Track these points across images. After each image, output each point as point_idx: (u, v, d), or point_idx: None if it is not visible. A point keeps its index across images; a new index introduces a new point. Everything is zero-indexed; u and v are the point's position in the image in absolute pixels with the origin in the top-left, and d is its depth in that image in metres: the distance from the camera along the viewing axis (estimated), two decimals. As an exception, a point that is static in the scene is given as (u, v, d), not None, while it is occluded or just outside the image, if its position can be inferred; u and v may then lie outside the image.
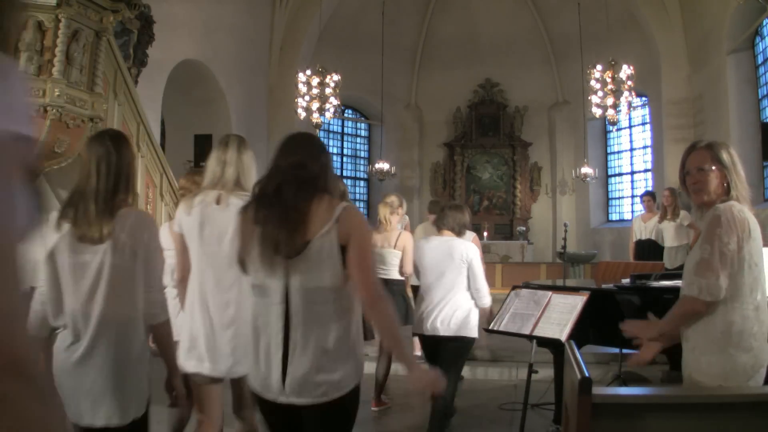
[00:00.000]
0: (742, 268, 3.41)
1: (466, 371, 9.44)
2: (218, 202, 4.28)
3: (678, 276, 6.28)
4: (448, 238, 6.66)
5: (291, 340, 3.23)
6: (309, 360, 3.20)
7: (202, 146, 14.99)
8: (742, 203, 3.55)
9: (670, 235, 11.61)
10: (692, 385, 3.46)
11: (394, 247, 7.85)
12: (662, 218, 11.79)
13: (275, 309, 3.26)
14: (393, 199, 8.10)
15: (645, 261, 10.63)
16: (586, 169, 23.29)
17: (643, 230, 12.23)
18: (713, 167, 3.67)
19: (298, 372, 3.19)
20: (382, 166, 24.25)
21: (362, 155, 28.58)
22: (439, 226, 6.81)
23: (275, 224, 3.22)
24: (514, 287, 6.41)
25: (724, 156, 3.70)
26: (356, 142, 28.63)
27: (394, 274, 7.84)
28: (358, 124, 28.61)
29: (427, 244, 6.77)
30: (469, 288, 6.46)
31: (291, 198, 3.24)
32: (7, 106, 1.31)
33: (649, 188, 22.79)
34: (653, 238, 12.01)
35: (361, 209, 26.53)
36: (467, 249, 6.52)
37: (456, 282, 6.45)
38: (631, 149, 25.65)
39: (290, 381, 3.20)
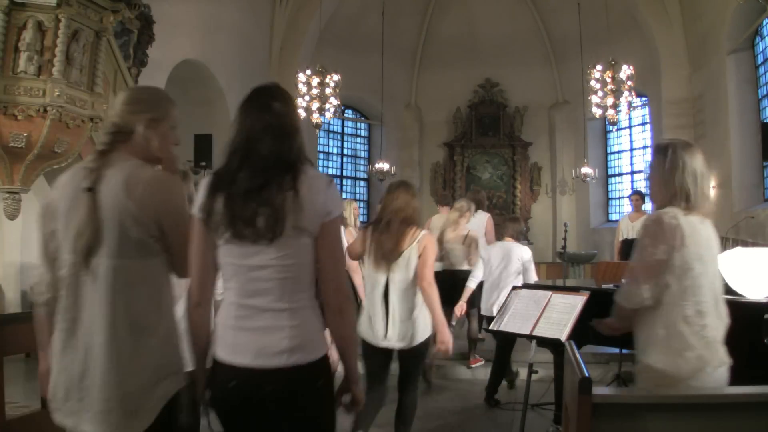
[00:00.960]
0: (677, 274, 3.50)
1: (466, 371, 9.45)
2: None
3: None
4: (508, 243, 9.22)
5: (390, 310, 5.48)
6: (400, 321, 5.43)
7: (202, 146, 14.97)
8: (690, 210, 3.62)
9: None
10: (641, 383, 3.69)
11: (463, 244, 9.63)
12: None
13: (380, 291, 5.52)
14: (462, 204, 9.94)
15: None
16: (586, 169, 23.29)
17: (630, 229, 12.21)
18: (651, 171, 3.86)
19: (395, 329, 5.43)
20: (382, 166, 24.25)
21: (362, 155, 28.58)
22: (502, 233, 9.47)
23: (385, 242, 5.47)
24: (514, 287, 6.42)
25: (668, 159, 3.75)
26: (356, 142, 28.62)
27: (462, 266, 9.53)
28: (358, 124, 28.61)
29: (493, 248, 9.42)
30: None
31: (396, 228, 5.48)
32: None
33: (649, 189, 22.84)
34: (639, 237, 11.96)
35: (361, 209, 26.56)
36: (522, 252, 9.16)
37: (511, 276, 8.90)
38: (631, 149, 25.65)
39: (390, 333, 5.45)
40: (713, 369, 3.49)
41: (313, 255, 3.03)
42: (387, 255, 5.41)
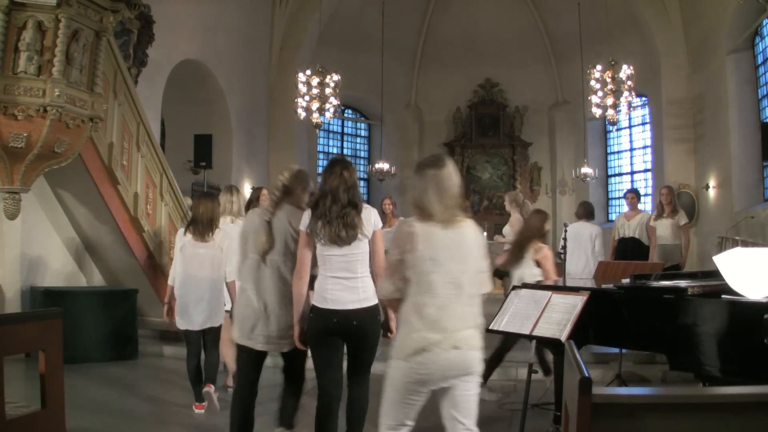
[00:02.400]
0: (414, 271, 4.15)
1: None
2: None
3: (678, 276, 6.29)
4: (584, 223, 12.12)
5: None
6: None
7: (202, 146, 14.98)
8: (428, 219, 4.19)
9: (666, 233, 11.56)
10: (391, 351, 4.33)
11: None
12: (658, 216, 11.74)
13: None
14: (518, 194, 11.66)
15: (628, 260, 10.61)
16: (585, 169, 23.30)
17: (626, 228, 12.17)
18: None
19: None
20: (382, 166, 24.25)
21: (362, 155, 28.60)
22: (578, 215, 12.47)
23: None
24: (514, 287, 6.42)
25: (413, 178, 4.47)
26: (356, 142, 28.65)
27: None
28: (358, 124, 28.62)
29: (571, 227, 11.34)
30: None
31: None
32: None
33: (649, 188, 22.85)
34: (637, 236, 11.96)
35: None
36: (593, 230, 12.06)
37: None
38: (631, 149, 25.67)
39: None
40: (442, 350, 4.04)
41: (368, 249, 5.36)
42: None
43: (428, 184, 4.23)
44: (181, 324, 7.58)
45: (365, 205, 5.36)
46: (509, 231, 10.87)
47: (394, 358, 4.18)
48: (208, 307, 7.56)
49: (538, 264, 8.35)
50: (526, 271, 8.27)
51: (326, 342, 5.30)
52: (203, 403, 7.45)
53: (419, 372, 4.06)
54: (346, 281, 5.22)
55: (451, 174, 4.29)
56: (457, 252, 4.20)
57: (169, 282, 7.81)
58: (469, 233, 4.29)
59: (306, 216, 5.33)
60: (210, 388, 7.43)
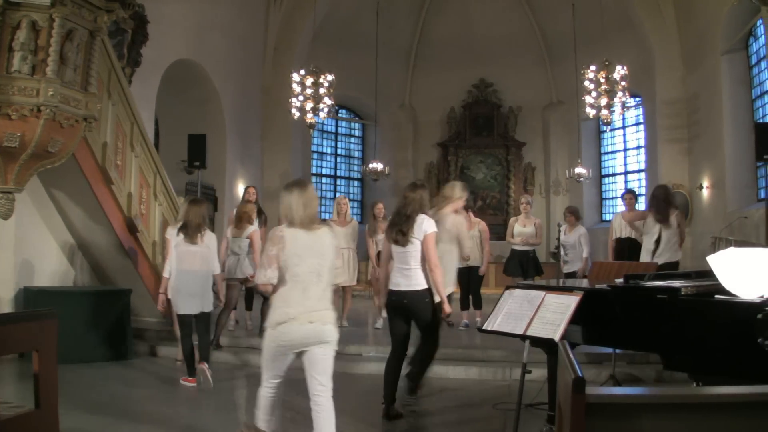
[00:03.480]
0: (285, 264, 5.39)
1: (459, 371, 9.46)
2: None
3: (672, 276, 6.30)
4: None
5: None
6: None
7: (196, 146, 14.96)
8: (293, 225, 5.51)
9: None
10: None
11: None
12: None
13: None
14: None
15: (624, 260, 10.64)
16: (579, 170, 23.33)
17: (623, 228, 12.21)
18: None
19: None
20: (376, 166, 24.26)
21: (356, 155, 28.66)
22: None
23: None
24: (508, 287, 6.42)
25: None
26: (350, 142, 28.69)
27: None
28: (352, 124, 28.66)
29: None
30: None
31: None
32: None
33: (643, 188, 22.88)
34: (633, 236, 11.99)
35: (354, 209, 26.64)
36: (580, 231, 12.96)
37: None
38: (625, 149, 25.74)
39: None
40: (299, 323, 5.32)
41: (420, 247, 7.20)
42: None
43: (293, 200, 5.57)
44: (178, 309, 8.86)
45: (422, 216, 7.32)
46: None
47: (267, 328, 5.48)
48: (199, 296, 8.89)
49: None
50: None
51: (392, 312, 7.52)
52: (193, 378, 8.72)
53: (282, 339, 5.35)
54: (403, 271, 7.29)
55: (312, 193, 5.76)
56: (316, 250, 5.51)
57: (165, 274, 9.09)
58: (325, 237, 5.65)
59: (388, 225, 7.68)
60: (203, 366, 8.65)
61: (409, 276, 7.24)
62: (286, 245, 5.43)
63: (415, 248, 7.20)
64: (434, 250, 7.21)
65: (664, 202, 10.94)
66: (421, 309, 7.27)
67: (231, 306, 11.08)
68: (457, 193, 8.72)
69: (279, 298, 5.46)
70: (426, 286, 7.23)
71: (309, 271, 5.43)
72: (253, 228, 11.19)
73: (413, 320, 7.42)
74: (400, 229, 7.24)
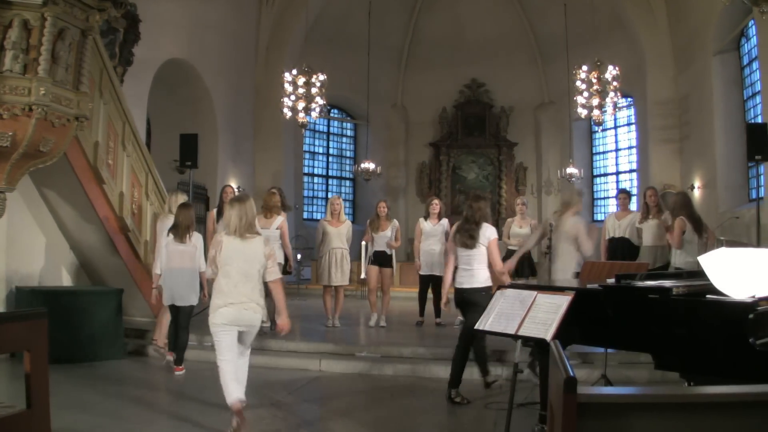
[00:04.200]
0: (221, 264, 6.72)
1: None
2: None
3: (663, 276, 6.31)
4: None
5: None
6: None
7: (188, 146, 14.92)
8: (229, 233, 6.76)
9: (651, 234, 11.59)
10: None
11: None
12: (644, 217, 11.77)
13: None
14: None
15: (617, 260, 10.66)
16: (571, 170, 23.40)
17: (616, 228, 12.22)
18: None
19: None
20: (368, 165, 24.26)
21: (348, 155, 28.68)
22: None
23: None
24: (500, 287, 6.43)
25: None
26: (342, 142, 28.71)
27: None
28: (344, 124, 28.67)
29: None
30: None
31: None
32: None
33: (635, 188, 22.91)
34: (626, 236, 12.00)
35: (347, 209, 26.65)
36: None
37: None
38: (617, 149, 25.79)
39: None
40: (234, 309, 6.63)
41: (485, 251, 8.16)
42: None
43: (233, 212, 6.76)
44: (167, 301, 9.65)
45: (485, 224, 8.32)
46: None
47: (210, 313, 6.69)
48: (186, 290, 9.68)
49: None
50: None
51: (460, 307, 8.57)
52: (181, 366, 9.48)
53: (221, 318, 6.62)
54: (467, 271, 8.26)
55: (249, 207, 6.85)
56: (246, 255, 6.75)
57: (157, 271, 9.89)
58: (257, 245, 6.80)
59: (454, 227, 8.65)
60: (171, 357, 9.71)
61: (471, 275, 8.24)
62: (221, 248, 6.75)
63: (479, 252, 8.28)
64: (497, 252, 8.42)
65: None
66: (478, 303, 7.74)
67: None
68: (575, 199, 10.13)
69: (217, 288, 6.76)
70: (486, 285, 8.24)
71: (237, 271, 6.70)
72: (282, 218, 11.86)
73: (469, 313, 8.00)
74: (471, 235, 8.25)
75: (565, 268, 9.67)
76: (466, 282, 8.24)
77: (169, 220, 10.18)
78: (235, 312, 6.63)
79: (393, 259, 12.57)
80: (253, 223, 6.87)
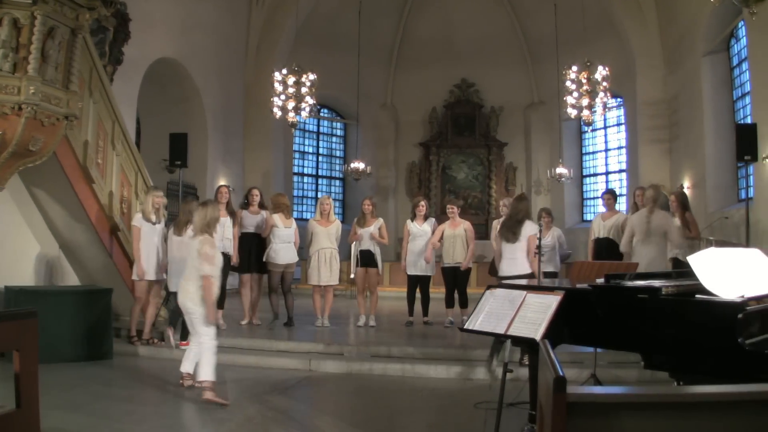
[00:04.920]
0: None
1: (441, 370, 9.46)
2: None
3: (652, 276, 6.31)
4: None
5: None
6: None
7: (178, 145, 14.90)
8: (178, 233, 9.00)
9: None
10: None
11: None
12: None
13: None
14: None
15: (603, 260, 10.69)
16: (561, 170, 23.45)
17: (601, 229, 12.24)
18: None
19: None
20: (358, 165, 24.28)
21: (338, 155, 28.69)
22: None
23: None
24: (489, 287, 6.42)
25: None
26: (332, 142, 28.72)
27: None
28: (334, 124, 28.67)
29: None
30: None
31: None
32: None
33: (624, 189, 22.95)
34: (611, 236, 12.02)
35: (336, 209, 26.64)
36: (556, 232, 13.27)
37: None
38: (606, 150, 25.86)
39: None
40: (181, 295, 7.79)
41: (525, 244, 10.14)
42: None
43: (209, 215, 7.88)
44: (173, 287, 10.37)
45: (527, 221, 10.27)
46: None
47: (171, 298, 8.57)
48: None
49: None
50: None
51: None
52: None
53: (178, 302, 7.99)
54: (510, 260, 10.21)
55: (214, 209, 8.06)
56: (190, 250, 8.01)
57: (143, 264, 10.78)
58: (194, 243, 7.90)
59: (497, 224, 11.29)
60: (170, 330, 10.61)
61: (514, 264, 10.25)
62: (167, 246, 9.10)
63: (521, 245, 10.27)
64: (533, 246, 9.73)
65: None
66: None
67: (275, 289, 12.48)
68: (661, 194, 10.68)
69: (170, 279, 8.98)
70: (527, 271, 10.16)
71: (191, 264, 7.91)
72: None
73: None
74: (513, 232, 10.22)
75: (658, 258, 10.32)
76: (511, 270, 10.19)
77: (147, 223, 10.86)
78: (181, 298, 7.93)
79: (379, 258, 12.52)
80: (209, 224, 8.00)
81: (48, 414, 5.30)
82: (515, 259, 10.26)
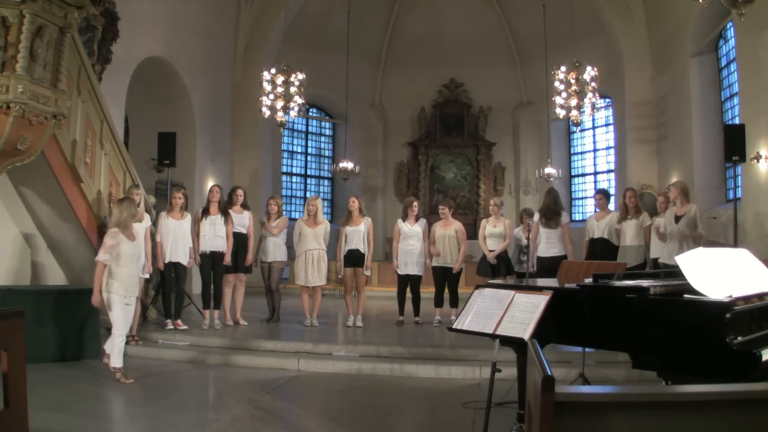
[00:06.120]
0: (117, 255, 8.45)
1: (430, 370, 9.46)
2: None
3: (640, 276, 6.33)
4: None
5: None
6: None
7: (166, 144, 14.87)
8: (123, 231, 8.64)
9: (630, 234, 11.69)
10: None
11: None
12: (623, 217, 11.86)
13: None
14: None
15: (598, 260, 10.71)
16: (549, 170, 23.48)
17: (596, 229, 12.28)
18: None
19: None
20: (347, 165, 24.25)
21: (326, 154, 28.66)
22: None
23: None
24: (478, 286, 6.42)
25: None
26: (320, 141, 28.68)
27: None
28: (323, 123, 28.64)
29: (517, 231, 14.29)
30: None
31: None
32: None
33: (612, 189, 22.99)
34: (605, 236, 12.06)
35: (325, 208, 26.62)
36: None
37: None
38: (595, 150, 25.91)
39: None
40: (123, 289, 8.55)
41: (562, 231, 12.24)
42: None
43: (124, 212, 8.61)
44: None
45: (563, 212, 12.32)
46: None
47: (112, 293, 8.50)
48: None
49: None
50: None
51: (540, 273, 11.68)
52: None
53: (118, 295, 8.50)
54: (550, 244, 12.17)
55: (129, 206, 8.76)
56: (136, 247, 8.89)
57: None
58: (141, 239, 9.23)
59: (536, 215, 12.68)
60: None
61: (554, 247, 12.26)
62: (118, 241, 8.56)
63: (558, 231, 12.27)
64: (568, 231, 12.32)
65: None
66: (556, 267, 9.33)
67: (275, 287, 13.04)
68: (687, 187, 11.68)
69: (112, 272, 8.55)
70: (563, 253, 12.04)
71: (129, 260, 8.65)
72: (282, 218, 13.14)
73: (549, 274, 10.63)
74: (552, 219, 12.24)
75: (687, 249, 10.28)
76: (550, 252, 12.22)
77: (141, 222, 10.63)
78: (124, 289, 8.69)
79: (368, 257, 12.50)
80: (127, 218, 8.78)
81: (36, 414, 5.28)
82: (554, 243, 12.28)
